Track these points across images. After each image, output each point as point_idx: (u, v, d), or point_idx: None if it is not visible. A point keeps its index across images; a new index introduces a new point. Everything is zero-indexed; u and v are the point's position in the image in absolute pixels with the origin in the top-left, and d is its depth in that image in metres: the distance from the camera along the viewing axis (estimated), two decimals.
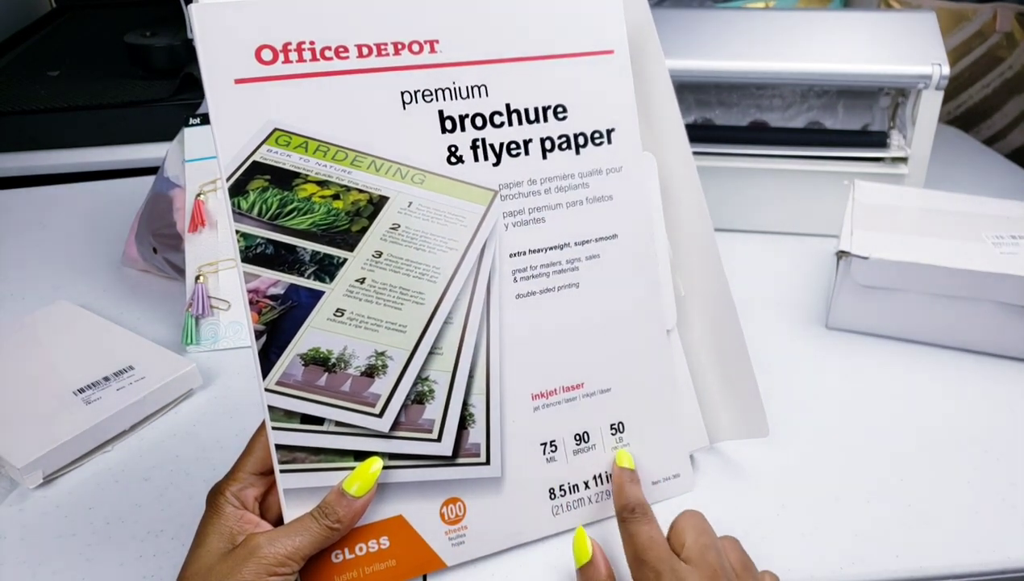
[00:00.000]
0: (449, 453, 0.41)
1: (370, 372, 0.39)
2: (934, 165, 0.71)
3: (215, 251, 0.62)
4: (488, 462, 0.42)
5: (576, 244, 0.43)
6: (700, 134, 0.74)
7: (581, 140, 0.43)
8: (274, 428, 0.38)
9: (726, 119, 0.77)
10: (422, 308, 0.40)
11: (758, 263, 0.71)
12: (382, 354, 0.39)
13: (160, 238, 0.65)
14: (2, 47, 1.09)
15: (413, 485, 0.40)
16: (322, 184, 0.39)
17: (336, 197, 0.39)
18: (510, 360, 0.42)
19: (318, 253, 0.39)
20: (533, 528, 0.43)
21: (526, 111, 0.42)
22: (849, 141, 0.73)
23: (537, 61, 0.42)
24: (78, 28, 1.20)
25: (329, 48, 0.38)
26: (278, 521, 0.39)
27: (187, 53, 0.96)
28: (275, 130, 0.38)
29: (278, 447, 0.38)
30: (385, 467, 0.39)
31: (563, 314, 0.43)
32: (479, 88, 0.41)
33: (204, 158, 0.64)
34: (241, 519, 0.37)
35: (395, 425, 0.40)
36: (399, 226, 0.40)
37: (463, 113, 0.41)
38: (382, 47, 0.39)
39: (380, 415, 0.39)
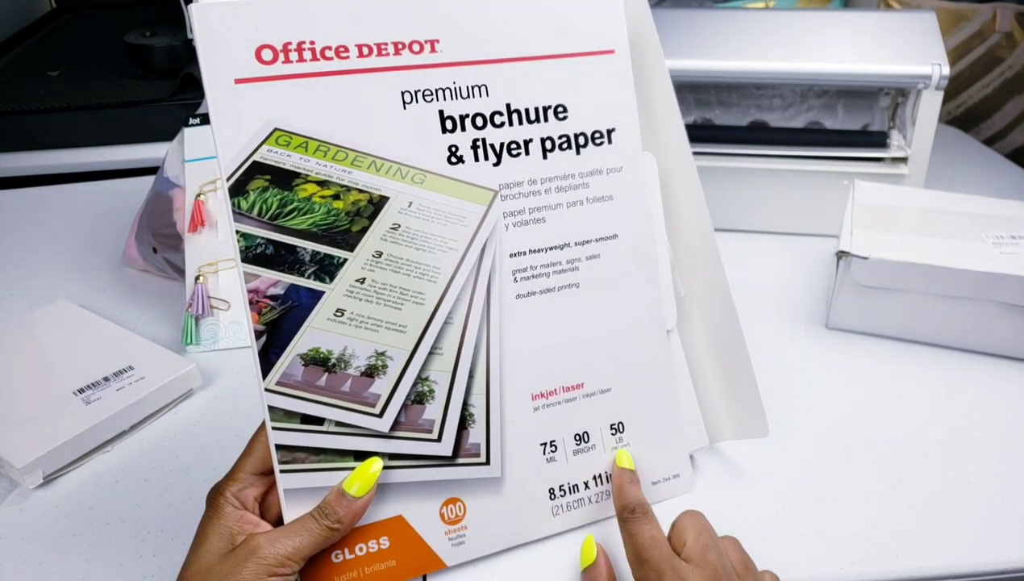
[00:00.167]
0: (449, 453, 0.41)
1: (370, 372, 0.39)
2: (934, 165, 0.71)
3: (215, 251, 0.62)
4: (488, 462, 0.42)
5: (576, 244, 0.43)
6: (700, 134, 0.74)
7: (581, 140, 0.43)
8: (274, 428, 0.38)
9: (726, 119, 0.77)
10: (422, 308, 0.40)
11: (758, 263, 0.71)
12: (382, 354, 0.39)
13: (160, 238, 0.65)
14: (2, 47, 1.09)
15: (413, 485, 0.40)
16: (322, 184, 0.39)
17: (336, 197, 0.39)
18: (510, 360, 0.42)
19: (318, 253, 0.39)
20: (533, 528, 0.43)
21: (526, 111, 0.42)
22: (849, 141, 0.73)
23: (537, 61, 0.42)
24: (78, 28, 1.20)
25: (329, 48, 0.38)
26: (278, 521, 0.39)
27: (187, 53, 0.96)
28: (275, 130, 0.38)
29: (278, 447, 0.38)
30: (385, 467, 0.39)
31: (563, 314, 0.43)
32: (479, 88, 0.41)
33: (204, 158, 0.64)
34: (241, 519, 0.37)
35: (395, 425, 0.40)
36: (399, 226, 0.40)
37: (463, 113, 0.41)
38: (382, 47, 0.39)
39: (380, 415, 0.39)
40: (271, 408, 0.38)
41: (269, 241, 0.38)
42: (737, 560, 0.39)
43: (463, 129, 0.41)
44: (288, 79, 0.38)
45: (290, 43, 0.38)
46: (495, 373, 0.42)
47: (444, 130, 0.41)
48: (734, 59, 0.70)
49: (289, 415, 0.38)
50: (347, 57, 0.39)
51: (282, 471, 0.38)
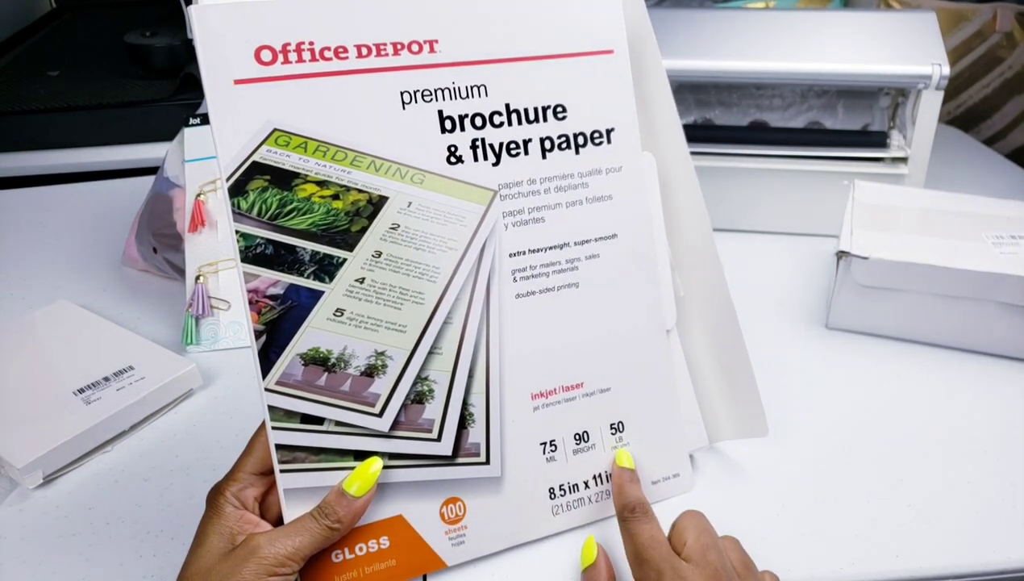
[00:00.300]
0: (449, 453, 0.41)
1: (370, 372, 0.39)
2: (934, 165, 0.71)
3: (215, 251, 0.62)
4: (488, 462, 0.42)
5: (576, 244, 0.43)
6: (700, 134, 0.74)
7: (581, 140, 0.43)
8: (274, 428, 0.38)
9: (726, 119, 0.77)
10: (422, 308, 0.40)
11: (758, 263, 0.71)
12: (382, 354, 0.39)
13: (160, 238, 0.65)
14: (2, 47, 1.09)
15: (413, 485, 0.40)
16: (321, 184, 0.39)
17: (336, 197, 0.39)
18: (510, 360, 0.42)
19: (318, 253, 0.39)
20: (533, 528, 0.43)
21: (525, 111, 0.42)
22: (849, 141, 0.73)
23: (537, 61, 0.42)
24: (78, 28, 1.20)
25: (328, 48, 0.38)
26: (278, 521, 0.39)
27: (187, 53, 0.96)
28: (275, 130, 0.38)
29: (278, 447, 0.38)
30: (385, 467, 0.39)
31: (563, 314, 0.43)
32: (479, 88, 0.41)
33: (204, 158, 0.64)
34: (241, 519, 0.37)
35: (395, 425, 0.40)
36: (399, 226, 0.40)
37: (463, 113, 0.41)
38: (381, 47, 0.39)
39: (380, 415, 0.39)
40: (271, 408, 0.38)
41: (269, 241, 0.38)
42: (737, 560, 0.39)
43: (462, 129, 0.41)
44: (287, 80, 0.38)
45: (289, 44, 0.38)
46: (495, 373, 0.42)
47: (443, 130, 0.41)
48: (734, 59, 0.70)
49: (289, 415, 0.38)
50: (346, 57, 0.39)
51: (282, 471, 0.38)
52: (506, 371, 0.42)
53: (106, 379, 0.53)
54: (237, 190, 0.38)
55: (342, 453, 0.39)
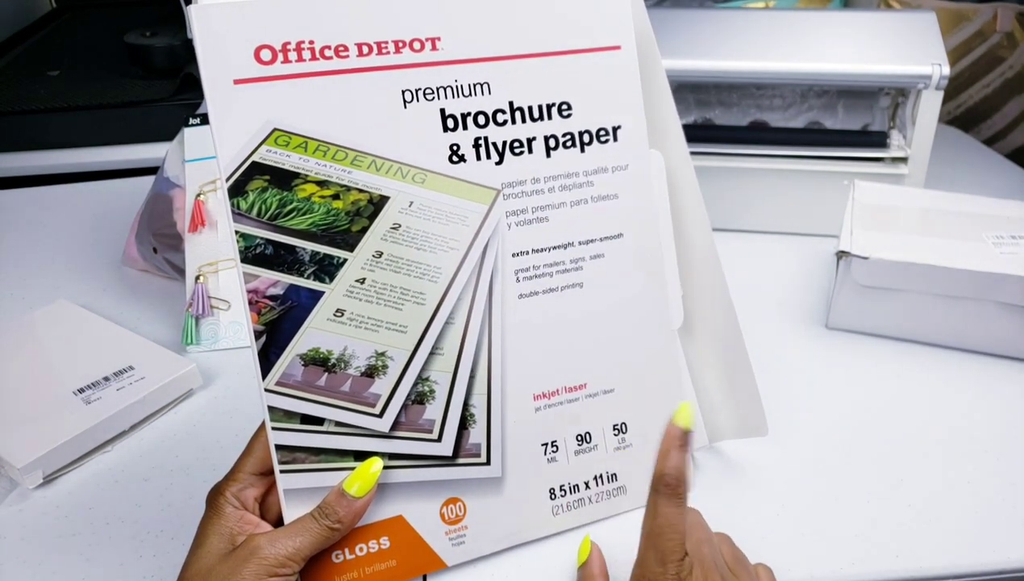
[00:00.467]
0: (449, 453, 0.41)
1: (370, 372, 0.39)
2: (934, 165, 0.71)
3: (215, 251, 0.62)
4: (488, 462, 0.42)
5: (580, 243, 0.43)
6: (700, 134, 0.74)
7: (586, 138, 0.43)
8: (274, 428, 0.38)
9: (726, 119, 0.77)
10: (423, 308, 0.40)
11: (758, 263, 0.71)
12: (382, 354, 0.39)
13: (160, 238, 0.65)
14: (2, 47, 1.09)
15: (413, 485, 0.40)
16: (322, 184, 0.39)
17: (336, 197, 0.39)
18: (512, 360, 0.42)
19: (318, 253, 0.39)
20: (533, 528, 0.43)
21: (529, 109, 0.42)
22: (849, 141, 0.73)
23: (541, 58, 0.42)
24: (78, 28, 1.20)
25: (329, 47, 0.38)
26: (278, 521, 0.39)
27: (187, 53, 0.96)
28: (274, 130, 0.38)
29: (278, 447, 0.38)
30: (385, 467, 0.39)
31: (566, 314, 0.43)
32: (481, 86, 0.41)
33: (204, 158, 0.64)
34: (241, 520, 0.37)
35: (395, 425, 0.40)
36: (400, 226, 0.40)
37: (465, 111, 0.41)
38: (382, 45, 0.39)
39: (380, 415, 0.39)
40: (271, 408, 0.38)
41: (268, 241, 0.38)
42: (729, 555, 0.39)
43: (465, 128, 0.41)
44: (287, 79, 0.38)
45: (289, 43, 0.38)
46: (496, 373, 0.41)
47: (445, 129, 0.40)
48: (734, 59, 0.70)
49: (289, 415, 0.38)
50: (347, 56, 0.39)
51: (282, 471, 0.38)
52: (508, 371, 0.42)
53: (106, 379, 0.53)
54: (237, 190, 0.38)
55: (342, 453, 0.39)
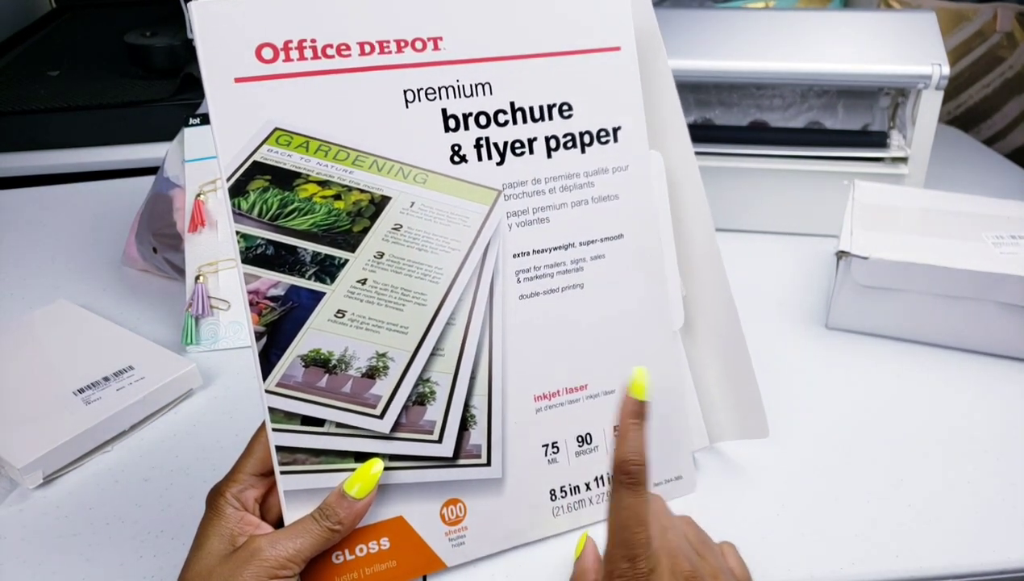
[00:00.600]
0: (450, 454, 0.41)
1: (371, 373, 0.39)
2: (934, 165, 0.71)
3: (215, 251, 0.62)
4: (489, 463, 0.42)
5: (581, 244, 0.43)
6: (700, 134, 0.74)
7: (587, 138, 0.43)
8: (274, 430, 0.38)
9: (726, 119, 0.77)
10: (424, 309, 0.40)
11: (758, 263, 0.71)
12: (383, 355, 0.39)
13: (160, 238, 0.65)
14: (2, 47, 1.09)
15: (414, 486, 0.40)
16: (323, 184, 0.39)
17: (337, 197, 0.39)
18: (513, 361, 0.42)
19: (319, 254, 0.39)
20: (533, 529, 0.43)
21: (531, 109, 0.42)
22: (849, 141, 0.73)
23: (542, 58, 0.42)
24: (78, 28, 1.20)
25: (331, 46, 0.38)
26: (278, 522, 0.39)
27: (187, 53, 0.96)
28: (276, 130, 0.38)
29: (279, 448, 0.38)
30: (386, 468, 0.39)
31: (567, 315, 0.43)
32: (483, 86, 0.41)
33: (204, 158, 0.64)
34: (241, 521, 0.37)
35: (396, 426, 0.40)
36: (401, 226, 0.40)
37: (467, 112, 0.41)
38: (384, 44, 0.39)
39: (381, 416, 0.39)
40: (271, 409, 0.38)
41: (269, 242, 0.38)
42: (694, 537, 0.39)
43: (466, 128, 0.41)
44: (289, 78, 0.38)
45: (291, 41, 0.38)
46: (497, 374, 0.41)
47: (447, 129, 0.40)
48: (734, 59, 0.70)
49: (289, 416, 0.38)
50: (348, 55, 0.38)
51: (283, 472, 0.38)
52: (509, 373, 0.42)
53: (106, 379, 0.53)
54: (238, 190, 0.38)
55: (343, 455, 0.39)
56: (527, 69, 0.41)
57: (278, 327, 0.38)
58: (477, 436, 0.41)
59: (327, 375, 0.39)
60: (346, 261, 0.39)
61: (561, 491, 0.43)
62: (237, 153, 0.37)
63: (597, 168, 0.43)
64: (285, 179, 0.38)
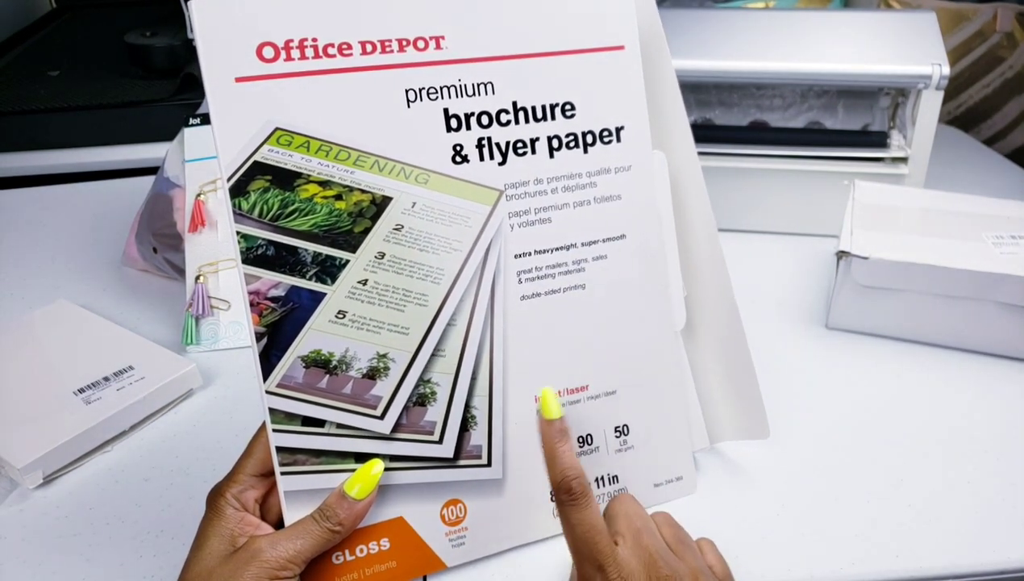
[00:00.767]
0: (450, 455, 0.41)
1: (372, 374, 0.39)
2: (934, 165, 0.71)
3: (215, 251, 0.62)
4: (489, 464, 0.42)
5: (583, 245, 0.43)
6: (700, 134, 0.74)
7: (589, 138, 0.43)
8: (275, 430, 0.38)
9: (726, 119, 0.77)
10: (425, 310, 0.40)
11: (758, 263, 0.71)
12: (384, 356, 0.39)
13: (160, 238, 0.65)
14: (2, 47, 1.09)
15: (414, 487, 0.40)
16: (324, 184, 0.39)
17: (338, 197, 0.39)
18: (514, 362, 0.42)
19: (320, 254, 0.39)
20: (533, 530, 0.43)
21: (533, 109, 0.42)
22: (849, 141, 0.73)
23: (545, 57, 0.41)
24: (78, 28, 1.20)
25: (332, 45, 0.38)
26: (278, 523, 0.39)
27: (187, 53, 0.96)
28: (276, 129, 0.38)
29: (279, 449, 0.38)
30: (386, 469, 0.39)
31: (569, 316, 0.43)
32: (485, 86, 0.41)
33: (204, 158, 0.63)
34: (242, 521, 0.37)
35: (396, 427, 0.40)
36: (402, 227, 0.40)
37: (468, 111, 0.40)
38: (386, 44, 0.39)
39: (381, 417, 0.39)
40: (272, 410, 0.38)
41: (270, 242, 0.38)
42: (670, 536, 0.39)
43: (468, 128, 0.41)
44: (290, 77, 0.38)
45: (292, 40, 0.37)
46: (498, 375, 0.41)
47: (449, 129, 0.40)
48: (734, 59, 0.70)
49: (290, 417, 0.38)
50: (350, 55, 0.38)
51: (283, 473, 0.38)
52: (510, 373, 0.42)
53: (106, 379, 0.53)
54: (238, 190, 0.38)
55: (343, 455, 0.39)
56: (530, 68, 0.41)
57: (279, 328, 0.38)
58: (478, 437, 0.41)
59: (328, 376, 0.39)
60: (347, 262, 0.39)
61: None
62: (238, 153, 0.37)
63: (600, 168, 0.43)
64: (286, 179, 0.38)
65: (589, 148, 0.43)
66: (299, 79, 0.38)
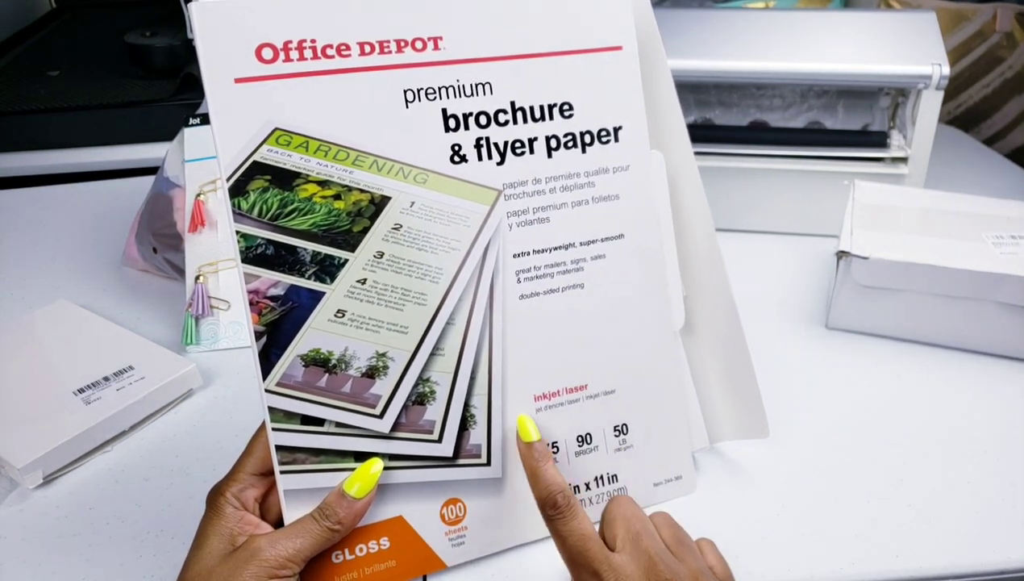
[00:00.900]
0: (450, 454, 0.41)
1: (371, 373, 0.39)
2: (934, 165, 0.71)
3: (215, 251, 0.62)
4: (489, 463, 0.42)
5: (581, 244, 0.43)
6: (700, 134, 0.74)
7: (587, 138, 0.43)
8: (274, 429, 0.38)
9: (726, 119, 0.77)
10: (424, 309, 0.40)
11: (758, 263, 0.71)
12: (383, 355, 0.39)
13: (160, 238, 0.65)
14: (2, 47, 1.09)
15: (413, 486, 0.40)
16: (323, 184, 0.39)
17: (337, 197, 0.39)
18: (513, 361, 0.42)
19: (319, 254, 0.39)
20: (533, 529, 0.43)
21: (531, 109, 0.42)
22: (849, 141, 0.73)
23: (543, 58, 0.42)
24: (78, 28, 1.20)
25: (331, 46, 0.38)
26: (278, 522, 0.39)
27: (187, 53, 0.96)
28: (275, 130, 0.38)
29: (278, 448, 0.38)
30: (386, 468, 0.39)
31: (567, 315, 0.43)
32: (483, 86, 0.41)
33: (204, 158, 0.64)
34: (241, 520, 0.37)
35: (396, 426, 0.40)
36: (401, 226, 0.40)
37: (467, 111, 0.41)
38: (384, 44, 0.39)
39: (381, 416, 0.39)
40: (271, 409, 0.38)
41: (269, 242, 0.38)
42: (670, 537, 0.38)
43: (466, 128, 0.41)
44: (289, 78, 0.38)
45: (291, 41, 0.38)
46: (497, 374, 0.41)
47: (447, 129, 0.40)
48: (734, 59, 0.70)
49: (289, 416, 0.38)
50: (348, 55, 0.39)
51: (282, 472, 0.38)
52: (509, 372, 0.42)
53: (106, 379, 0.53)
54: (238, 190, 0.38)
55: (343, 454, 0.39)
56: (528, 69, 0.41)
57: (278, 327, 0.38)
58: (477, 436, 0.41)
59: (327, 375, 0.39)
60: (346, 261, 0.39)
61: None
62: (237, 153, 0.37)
63: (598, 168, 0.43)
64: (285, 179, 0.38)
65: (587, 148, 0.43)
66: (298, 80, 0.38)
